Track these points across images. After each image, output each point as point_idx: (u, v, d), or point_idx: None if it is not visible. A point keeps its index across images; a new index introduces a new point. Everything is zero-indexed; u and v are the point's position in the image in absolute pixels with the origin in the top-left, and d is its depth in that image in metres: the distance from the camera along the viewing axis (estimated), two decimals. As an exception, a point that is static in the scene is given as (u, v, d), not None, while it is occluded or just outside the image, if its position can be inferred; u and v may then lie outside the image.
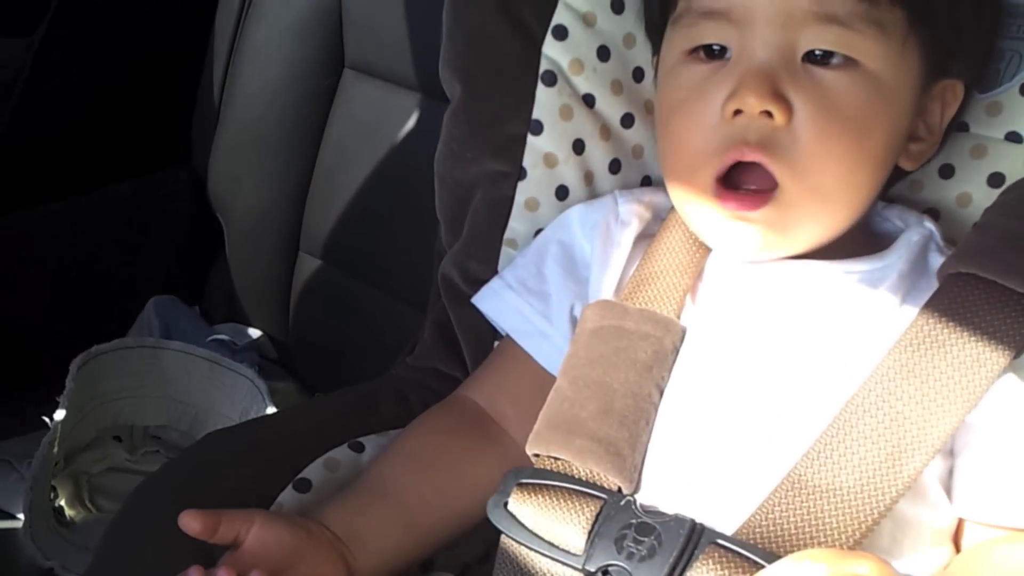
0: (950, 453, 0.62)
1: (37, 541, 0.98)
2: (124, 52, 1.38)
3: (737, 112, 0.61)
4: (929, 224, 0.70)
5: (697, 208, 0.65)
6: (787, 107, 0.60)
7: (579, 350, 0.66)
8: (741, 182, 0.63)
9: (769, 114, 0.60)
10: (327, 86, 1.36)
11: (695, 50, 0.65)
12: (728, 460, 0.60)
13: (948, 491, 0.61)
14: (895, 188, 0.77)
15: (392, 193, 1.30)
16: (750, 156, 0.61)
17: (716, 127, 0.62)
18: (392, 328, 1.25)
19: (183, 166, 1.51)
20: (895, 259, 0.66)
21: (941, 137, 0.70)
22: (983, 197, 0.72)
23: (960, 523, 0.62)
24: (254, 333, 1.46)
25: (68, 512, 1.10)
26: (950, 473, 0.62)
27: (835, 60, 0.61)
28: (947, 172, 0.75)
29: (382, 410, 0.76)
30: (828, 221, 0.64)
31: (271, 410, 1.16)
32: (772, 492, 0.57)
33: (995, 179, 0.73)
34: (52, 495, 1.09)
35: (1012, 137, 0.73)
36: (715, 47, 0.64)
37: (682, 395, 0.63)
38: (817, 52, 0.61)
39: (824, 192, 0.62)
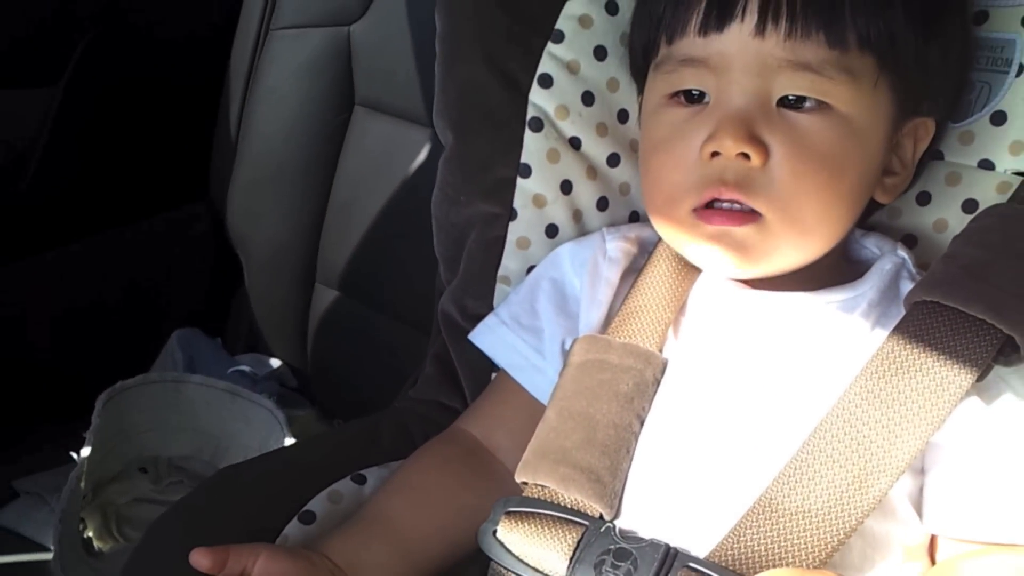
0: (920, 471, 0.65)
1: (67, 572, 1.02)
2: (144, 95, 1.44)
3: (715, 154, 0.64)
4: (902, 252, 0.72)
5: (681, 229, 0.69)
6: (763, 149, 0.64)
7: (566, 383, 0.70)
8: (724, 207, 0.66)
9: (746, 156, 0.63)
10: (339, 123, 1.41)
11: (676, 94, 0.69)
12: (703, 485, 0.63)
13: (919, 508, 0.64)
14: (875, 216, 0.80)
15: (404, 224, 1.35)
16: (727, 195, 0.65)
17: (695, 166, 0.66)
18: (407, 355, 1.28)
19: (203, 202, 1.56)
20: (867, 288, 0.69)
21: (914, 171, 0.73)
22: (958, 223, 0.74)
23: (934, 539, 0.65)
24: (274, 363, 1.51)
25: (97, 543, 1.14)
26: (920, 491, 0.64)
27: (808, 104, 0.64)
28: (924, 199, 0.78)
29: (384, 442, 0.80)
30: (805, 250, 0.68)
31: (289, 439, 1.20)
32: (744, 515, 0.60)
33: (969, 205, 0.76)
34: (81, 527, 1.14)
35: (984, 164, 0.76)
36: (695, 92, 0.68)
37: (661, 425, 0.67)
38: (791, 97, 0.64)
39: (803, 225, 0.66)
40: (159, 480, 1.26)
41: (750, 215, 0.65)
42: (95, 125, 1.39)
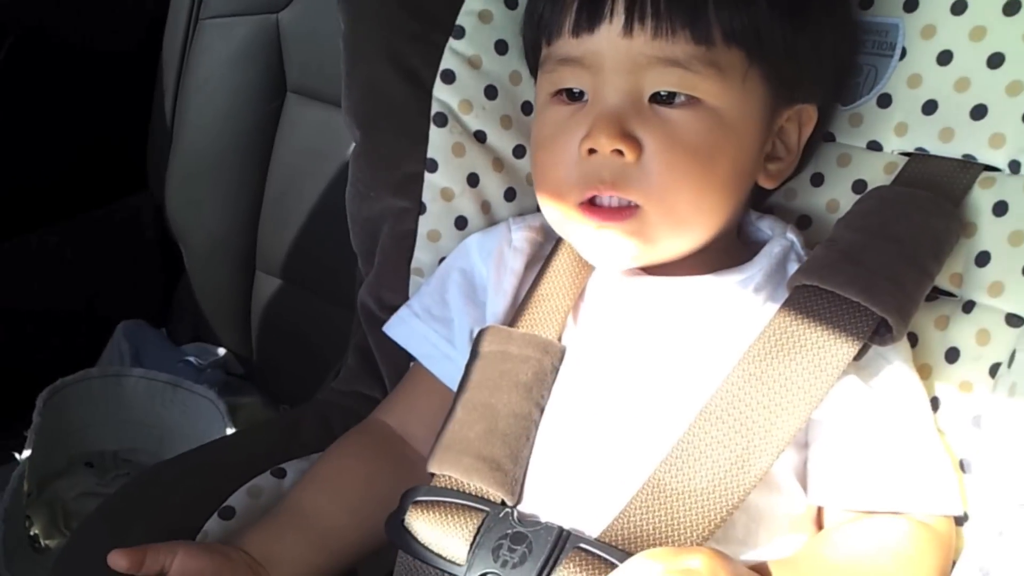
0: (804, 446, 0.68)
1: (12, 570, 1.04)
2: (76, 91, 1.44)
3: (593, 151, 0.67)
4: (791, 235, 0.75)
5: (569, 224, 0.71)
6: (636, 145, 0.66)
7: (470, 374, 0.72)
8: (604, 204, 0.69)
9: (620, 152, 0.66)
10: (272, 111, 1.42)
11: (558, 92, 0.71)
12: (597, 469, 0.66)
13: (803, 481, 0.68)
14: (773, 197, 0.83)
15: (340, 209, 1.33)
16: (605, 192, 0.67)
17: (576, 163, 0.68)
18: (348, 339, 1.31)
19: (142, 194, 1.57)
20: (756, 270, 0.72)
21: (799, 156, 0.75)
22: (848, 202, 0.76)
23: (820, 509, 0.68)
24: (219, 351, 1.52)
25: (44, 540, 1.16)
26: (804, 465, 0.68)
27: (679, 99, 0.67)
28: (817, 180, 0.81)
29: (305, 436, 0.82)
30: (685, 238, 0.71)
31: (230, 429, 1.22)
32: (633, 497, 0.63)
33: (858, 185, 0.79)
34: (28, 524, 1.16)
35: (873, 146, 0.79)
36: (575, 90, 0.70)
37: (559, 411, 0.69)
38: (662, 93, 0.67)
39: (679, 214, 0.68)
40: (105, 474, 1.28)
41: (630, 209, 0.67)
42: (27, 121, 1.38)
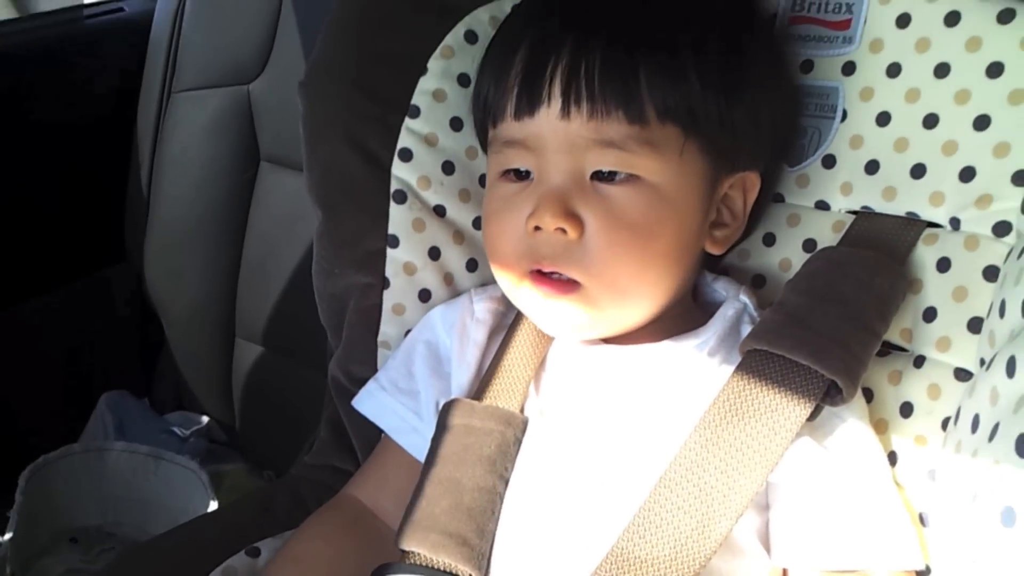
0: (765, 508, 0.69)
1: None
2: (51, 164, 1.46)
3: (538, 228, 0.69)
4: (744, 297, 0.77)
5: (519, 294, 0.74)
6: (579, 223, 0.68)
7: (435, 448, 0.74)
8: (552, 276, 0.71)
9: (564, 230, 0.68)
10: (246, 180, 1.44)
11: (506, 172, 0.73)
12: (561, 540, 0.67)
13: (767, 543, 0.69)
14: (728, 258, 0.85)
15: (316, 275, 1.38)
16: (548, 268, 0.70)
17: (522, 239, 0.71)
18: (329, 403, 1.33)
19: (120, 265, 1.58)
20: (710, 335, 0.74)
21: (746, 221, 0.77)
22: (800, 261, 0.79)
23: (784, 572, 0.69)
24: (202, 419, 1.53)
25: (31, 620, 1.17)
26: (767, 527, 0.69)
27: (619, 177, 0.69)
28: (769, 240, 0.83)
29: (278, 512, 0.83)
30: (633, 309, 0.73)
31: (213, 500, 1.23)
32: (597, 567, 0.64)
33: (808, 244, 0.81)
34: (13, 604, 1.16)
35: (820, 205, 0.81)
36: (521, 169, 0.72)
37: (523, 483, 0.71)
38: (603, 171, 0.69)
39: (621, 288, 0.70)
40: (90, 549, 1.28)
41: (572, 284, 0.70)
42: (3, 197, 1.40)
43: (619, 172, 0.69)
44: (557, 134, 0.69)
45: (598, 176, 0.69)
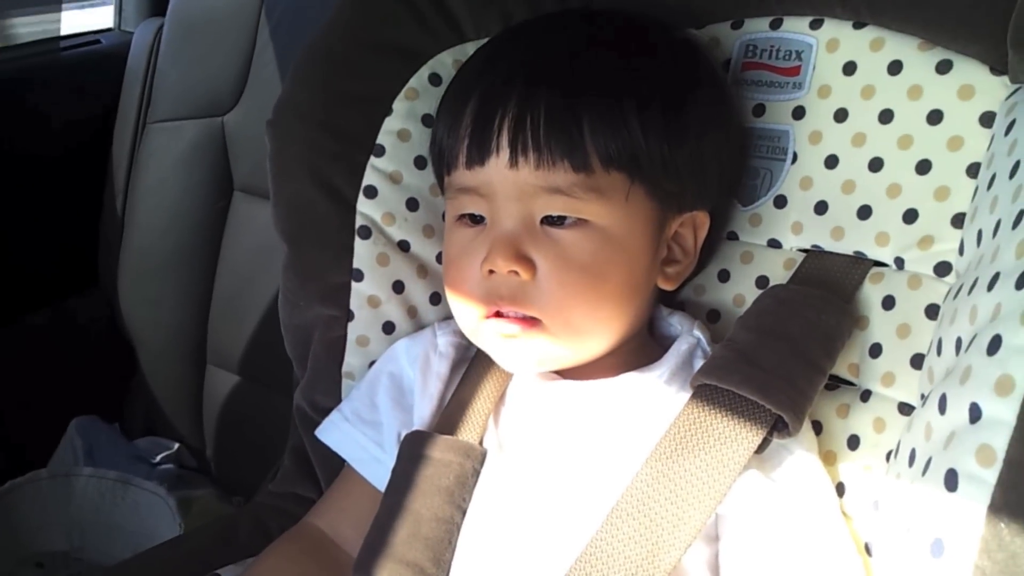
0: (715, 539, 0.71)
1: None
2: (26, 192, 1.47)
3: (492, 271, 0.72)
4: (698, 332, 0.80)
5: (479, 334, 0.76)
6: (531, 265, 0.71)
7: (395, 479, 0.75)
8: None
9: (516, 272, 0.71)
10: (219, 209, 1.46)
11: (462, 216, 0.76)
12: (516, 569, 0.69)
13: (716, 574, 0.71)
14: (683, 293, 0.88)
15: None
16: (505, 308, 0.72)
17: (479, 282, 0.73)
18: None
19: (93, 292, 1.59)
20: (664, 370, 0.76)
21: (697, 258, 0.80)
22: (753, 297, 0.80)
23: None
24: (172, 445, 1.54)
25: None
26: (716, 557, 0.71)
27: (568, 221, 0.72)
28: (724, 276, 0.86)
29: (241, 539, 0.85)
30: (588, 346, 0.75)
31: (180, 526, 1.24)
32: (550, 596, 0.66)
33: (761, 281, 0.84)
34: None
35: (772, 243, 0.84)
36: (475, 215, 0.75)
37: (480, 514, 0.73)
38: (553, 216, 0.72)
39: (576, 326, 0.73)
40: (55, 574, 1.28)
41: (531, 320, 0.72)
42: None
43: (568, 217, 0.71)
44: (507, 182, 0.71)
45: (548, 220, 0.72)
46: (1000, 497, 0.52)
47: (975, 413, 0.56)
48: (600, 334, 0.74)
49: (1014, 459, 0.52)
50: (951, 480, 0.56)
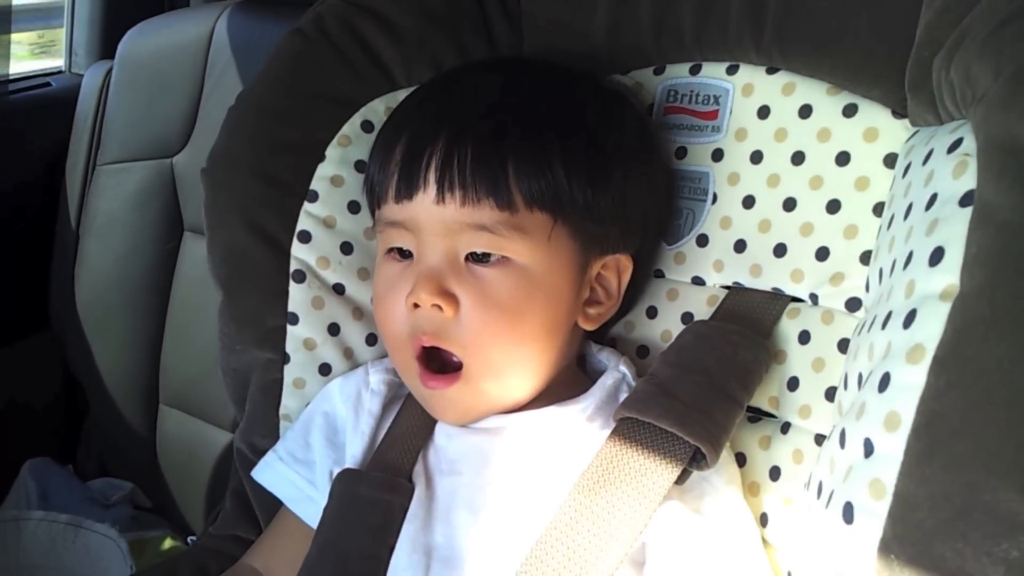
0: (642, 565, 0.73)
1: None
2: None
3: (417, 305, 0.74)
4: (623, 367, 0.82)
5: (408, 377, 0.79)
6: (453, 301, 0.73)
7: (325, 517, 0.77)
8: (440, 356, 0.76)
9: (440, 307, 0.73)
10: (170, 249, 1.48)
11: (391, 250, 0.78)
12: (442, 607, 0.71)
13: None
14: (615, 328, 0.90)
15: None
16: (428, 343, 0.75)
17: (405, 316, 0.76)
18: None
19: (43, 334, 1.60)
20: (589, 403, 0.78)
21: (620, 300, 0.83)
22: (678, 332, 0.83)
23: None
24: (126, 485, 1.54)
25: None
26: None
27: (492, 259, 0.74)
28: (652, 313, 0.88)
29: (182, 583, 0.86)
30: (512, 386, 0.77)
31: (131, 568, 1.24)
32: (476, 631, 0.68)
33: (687, 317, 0.86)
34: None
35: (696, 281, 0.86)
36: (404, 249, 0.77)
37: (407, 549, 0.74)
38: (478, 253, 0.74)
39: (496, 366, 0.75)
40: (5, 620, 1.28)
41: (455, 374, 0.75)
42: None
43: (492, 254, 0.73)
44: (433, 217, 0.74)
45: (473, 258, 0.74)
46: (890, 529, 0.55)
47: (868, 448, 0.58)
48: (519, 372, 0.77)
49: (901, 493, 0.55)
50: (848, 513, 0.59)
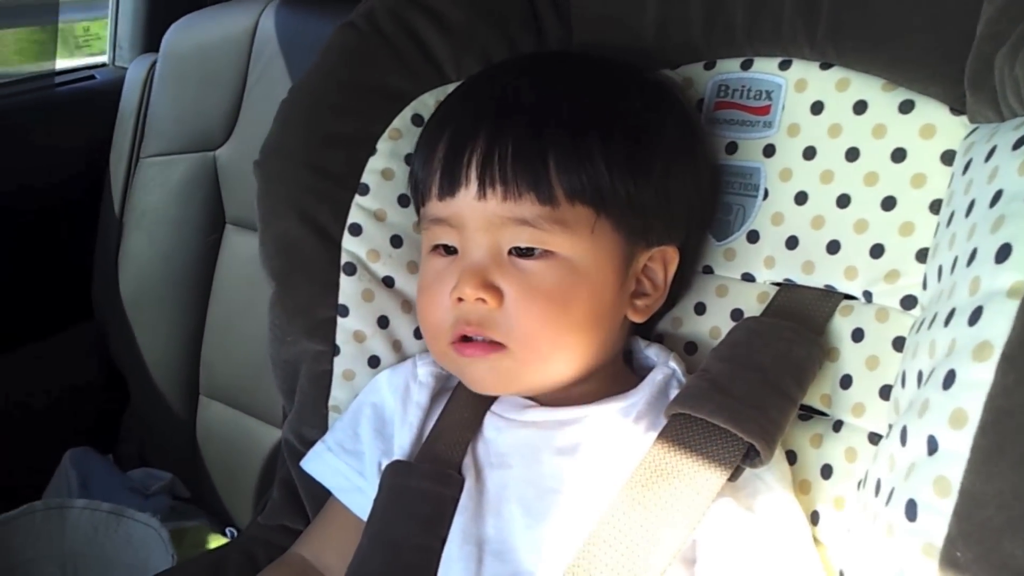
0: (693, 562, 0.73)
1: None
2: (20, 225, 1.49)
3: (461, 299, 0.74)
4: (673, 363, 0.82)
5: (446, 359, 0.80)
6: (498, 294, 0.74)
7: (376, 508, 0.78)
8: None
9: (484, 300, 0.73)
10: (211, 242, 1.49)
11: (436, 247, 0.79)
12: (493, 598, 0.71)
13: None
14: (660, 325, 0.90)
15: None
16: (471, 332, 0.75)
17: (449, 309, 0.76)
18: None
19: (86, 325, 1.61)
20: (639, 398, 0.78)
21: (667, 291, 0.82)
22: (728, 329, 0.83)
23: None
24: (165, 476, 1.55)
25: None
26: None
27: (536, 252, 0.74)
28: (700, 309, 0.88)
29: (229, 572, 0.86)
30: (554, 372, 0.78)
31: (172, 557, 1.25)
32: (529, 623, 0.68)
33: (736, 314, 0.86)
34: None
35: (746, 277, 0.86)
36: (448, 246, 0.77)
37: (458, 540, 0.74)
38: (521, 247, 0.74)
39: (542, 354, 0.76)
40: (49, 607, 1.29)
41: (495, 345, 0.75)
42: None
43: (536, 248, 0.74)
44: (476, 213, 0.74)
45: (517, 252, 0.75)
46: (955, 527, 0.55)
47: (932, 445, 0.58)
48: (563, 361, 0.77)
49: (968, 490, 0.54)
50: (911, 510, 0.58)
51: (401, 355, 0.90)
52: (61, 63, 1.61)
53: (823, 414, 0.80)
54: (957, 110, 0.74)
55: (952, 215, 0.69)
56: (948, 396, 0.57)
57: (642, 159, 0.76)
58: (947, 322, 0.62)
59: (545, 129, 0.74)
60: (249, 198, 1.41)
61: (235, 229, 1.48)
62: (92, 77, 1.64)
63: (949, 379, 0.58)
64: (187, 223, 1.50)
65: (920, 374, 0.64)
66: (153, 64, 1.55)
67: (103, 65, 1.71)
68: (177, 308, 1.52)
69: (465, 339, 0.76)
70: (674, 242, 0.81)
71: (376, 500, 0.78)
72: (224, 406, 1.51)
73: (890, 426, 0.70)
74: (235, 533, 1.50)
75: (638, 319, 0.81)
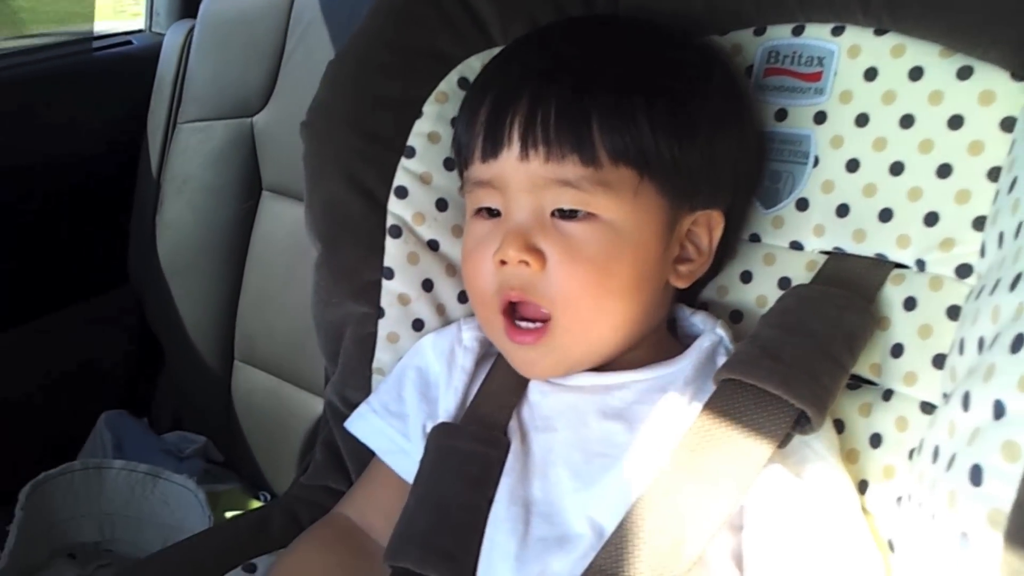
0: (740, 529, 0.73)
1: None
2: (57, 189, 1.50)
3: (504, 262, 0.74)
4: (720, 330, 0.81)
5: (494, 333, 0.80)
6: (540, 256, 0.74)
7: (423, 469, 0.78)
8: (526, 311, 0.77)
9: (527, 263, 0.73)
10: (248, 208, 1.49)
11: (480, 210, 0.79)
12: (542, 556, 0.71)
13: (740, 563, 0.72)
14: (705, 293, 0.89)
15: (314, 301, 1.42)
16: (515, 297, 0.75)
17: (493, 273, 0.76)
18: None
19: (123, 289, 1.62)
20: (686, 364, 0.78)
21: (711, 257, 0.82)
22: (775, 298, 0.82)
23: None
24: (199, 439, 1.56)
25: (27, 633, 1.20)
26: (740, 547, 0.73)
27: (579, 214, 0.74)
28: (746, 277, 0.87)
29: (275, 531, 0.87)
30: (600, 340, 0.78)
31: (209, 518, 1.26)
32: (576, 585, 0.68)
33: (783, 282, 0.85)
34: (10, 619, 1.19)
35: (795, 245, 0.85)
36: (492, 208, 0.77)
37: (505, 501, 0.75)
38: (564, 209, 0.74)
39: (585, 319, 0.75)
40: (87, 564, 1.31)
41: (543, 327, 0.75)
42: (12, 221, 1.45)
43: (579, 210, 0.74)
44: (518, 174, 0.74)
45: (560, 214, 0.74)
46: (1025, 491, 0.54)
47: (999, 410, 0.57)
48: (607, 326, 0.77)
49: (1039, 454, 0.53)
50: (976, 475, 0.58)
51: (445, 318, 0.90)
52: (99, 27, 1.61)
53: (872, 383, 0.79)
54: (1019, 75, 0.72)
55: (1015, 181, 0.67)
56: (1016, 360, 0.57)
57: (687, 122, 0.75)
58: (1012, 286, 0.61)
59: (589, 90, 0.73)
60: (287, 164, 1.44)
61: (271, 196, 1.48)
62: (129, 43, 1.64)
63: (1018, 343, 0.57)
64: (224, 189, 1.50)
65: (982, 340, 0.63)
66: (190, 30, 1.55)
67: (140, 31, 1.71)
68: (213, 273, 1.52)
69: (512, 311, 0.76)
70: (719, 207, 0.80)
71: (423, 461, 0.78)
72: (259, 371, 1.51)
73: (945, 395, 0.69)
74: (268, 497, 1.51)
75: (681, 284, 0.81)
